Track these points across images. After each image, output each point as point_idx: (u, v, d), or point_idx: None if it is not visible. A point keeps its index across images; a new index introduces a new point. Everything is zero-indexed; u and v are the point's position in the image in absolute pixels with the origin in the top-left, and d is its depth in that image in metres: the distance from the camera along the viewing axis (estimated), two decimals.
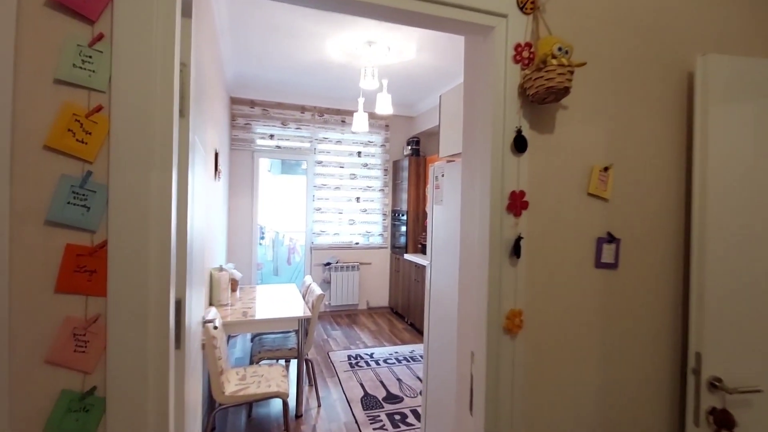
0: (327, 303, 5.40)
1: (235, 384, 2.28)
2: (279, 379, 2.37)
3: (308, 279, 3.54)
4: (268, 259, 5.90)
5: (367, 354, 4.00)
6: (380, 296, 5.67)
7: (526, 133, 1.09)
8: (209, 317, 2.11)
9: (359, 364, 3.74)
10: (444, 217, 2.07)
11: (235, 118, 4.93)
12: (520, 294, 1.08)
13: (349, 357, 3.90)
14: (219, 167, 3.12)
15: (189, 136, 1.01)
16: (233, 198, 4.99)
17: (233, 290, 3.39)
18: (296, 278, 6.27)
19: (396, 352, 4.06)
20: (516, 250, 1.07)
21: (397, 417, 2.80)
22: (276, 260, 5.85)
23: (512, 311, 1.07)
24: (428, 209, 2.21)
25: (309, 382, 3.30)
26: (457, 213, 1.93)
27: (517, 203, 1.07)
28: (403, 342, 4.40)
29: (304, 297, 3.34)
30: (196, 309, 1.60)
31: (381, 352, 4.08)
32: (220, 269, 2.98)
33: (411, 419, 2.78)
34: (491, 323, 1.06)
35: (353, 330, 4.77)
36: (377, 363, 3.77)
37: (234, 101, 4.92)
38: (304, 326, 2.77)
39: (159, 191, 0.84)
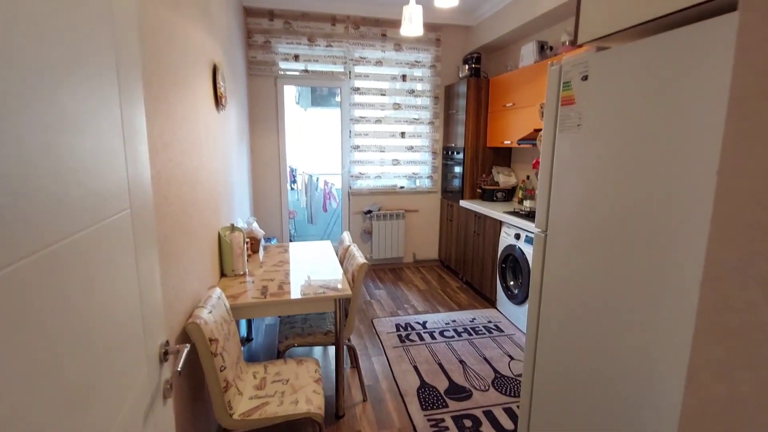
0: (369, 256, 4.72)
1: (249, 397, 1.63)
2: (311, 388, 1.70)
3: (346, 237, 2.78)
4: (302, 206, 5.23)
5: (418, 323, 3.32)
6: (428, 248, 4.92)
7: None
8: (204, 311, 1.40)
9: (410, 337, 3.08)
10: (585, 154, 1.16)
11: (251, 34, 3.98)
12: None
13: (398, 327, 3.25)
14: (221, 91, 2.29)
15: None
16: (256, 136, 4.21)
17: (254, 251, 2.71)
18: (334, 227, 5.61)
19: (453, 321, 3.36)
20: None
21: (468, 423, 2.12)
22: (310, 207, 5.17)
23: None
24: (541, 142, 1.33)
25: (351, 364, 2.68)
26: (621, 145, 1.02)
27: None
28: (460, 306, 3.68)
29: (341, 262, 2.61)
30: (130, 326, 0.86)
31: (435, 320, 3.39)
32: (232, 229, 2.26)
33: (487, 428, 2.09)
34: None
35: (399, 289, 4.10)
36: (432, 336, 3.09)
37: (249, 13, 3.94)
38: (343, 306, 2.06)
39: None
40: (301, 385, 1.72)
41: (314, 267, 2.42)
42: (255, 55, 4.02)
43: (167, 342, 0.95)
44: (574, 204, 1.19)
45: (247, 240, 2.59)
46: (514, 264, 3.31)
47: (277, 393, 1.66)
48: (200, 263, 1.78)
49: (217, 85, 2.21)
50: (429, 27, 4.39)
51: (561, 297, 1.28)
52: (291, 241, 4.79)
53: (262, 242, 3.07)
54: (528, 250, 2.99)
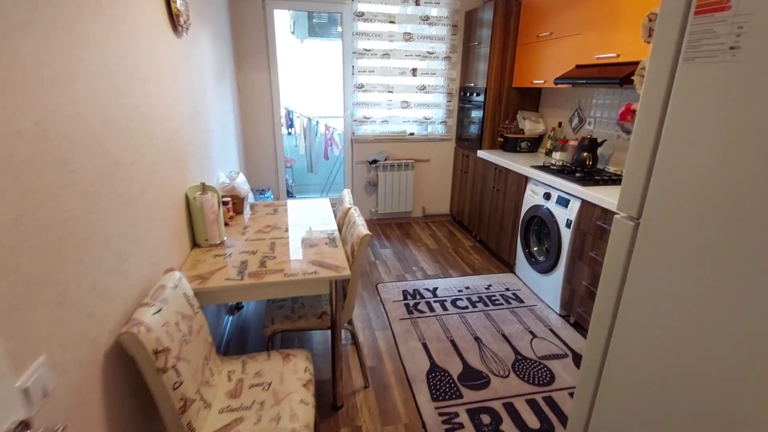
0: (374, 210, 4.31)
1: (219, 410, 1.29)
2: (297, 396, 1.36)
3: (347, 196, 2.34)
4: (301, 153, 4.73)
5: (428, 289, 2.98)
6: (439, 202, 4.48)
7: None
8: (148, 312, 1.02)
9: (419, 307, 2.75)
10: (744, 100, 0.68)
11: None
12: None
13: (405, 294, 2.91)
14: (177, 7, 1.73)
15: None
16: (243, 72, 3.62)
17: (238, 212, 2.30)
18: (336, 176, 5.14)
19: (467, 288, 3.02)
20: None
21: (486, 420, 1.82)
22: (310, 154, 4.67)
23: None
24: (641, 78, 0.84)
25: (351, 340, 2.37)
26: None
27: None
28: (474, 270, 3.33)
29: (340, 227, 2.20)
30: None
31: (446, 285, 3.04)
32: (203, 189, 1.83)
33: (509, 426, 1.79)
34: None
35: (407, 248, 3.73)
36: (443, 306, 2.76)
37: None
38: (340, 286, 1.68)
39: None
40: (287, 391, 1.38)
41: (310, 237, 2.02)
42: None
43: (25, 423, 0.56)
44: (710, 185, 0.73)
45: (227, 199, 2.17)
46: (539, 226, 2.89)
47: (255, 404, 1.32)
48: (151, 240, 1.37)
49: None
50: None
51: (660, 320, 0.86)
52: (288, 192, 4.37)
53: (250, 199, 2.66)
54: (560, 213, 2.55)
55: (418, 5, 3.75)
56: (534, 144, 3.58)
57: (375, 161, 4.05)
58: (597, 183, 2.46)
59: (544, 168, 2.85)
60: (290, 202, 2.56)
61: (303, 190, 5.21)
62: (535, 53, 3.22)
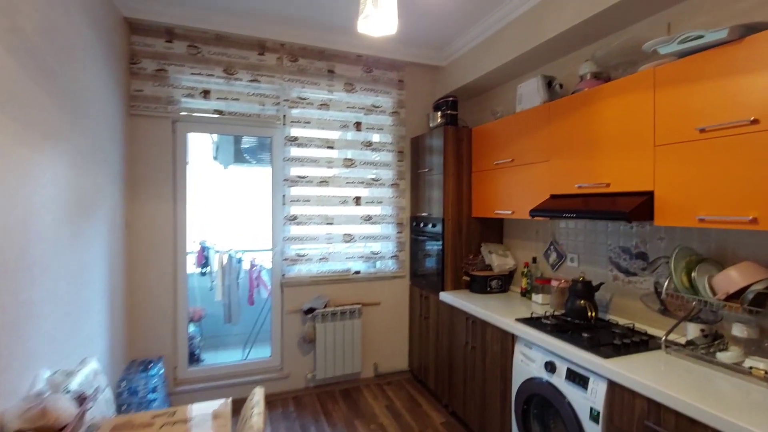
0: (310, 376, 3.25)
1: None
2: None
3: (254, 411, 1.39)
4: (218, 299, 3.72)
5: None
6: (395, 355, 3.56)
7: None
8: None
9: None
10: None
11: (137, 58, 2.75)
12: None
13: None
14: None
15: None
16: (138, 203, 2.81)
17: None
18: (264, 325, 4.08)
19: None
20: None
21: None
22: (229, 300, 3.69)
23: None
24: None
25: None
26: None
27: None
28: None
29: None
30: None
31: None
32: None
33: None
34: None
35: None
36: None
37: (135, 28, 2.74)
38: None
39: None
40: None
41: None
42: (142, 88, 2.75)
43: None
44: None
45: None
46: (542, 409, 2.06)
47: None
48: None
49: None
50: (389, 65, 3.42)
51: None
52: (193, 354, 3.24)
53: (104, 407, 1.60)
54: (577, 397, 1.76)
55: (360, 131, 3.37)
56: (505, 282, 2.96)
57: (311, 310, 3.16)
58: (618, 350, 1.76)
59: (535, 322, 2.15)
60: (159, 419, 1.53)
61: (219, 343, 4.04)
62: (494, 181, 2.80)
